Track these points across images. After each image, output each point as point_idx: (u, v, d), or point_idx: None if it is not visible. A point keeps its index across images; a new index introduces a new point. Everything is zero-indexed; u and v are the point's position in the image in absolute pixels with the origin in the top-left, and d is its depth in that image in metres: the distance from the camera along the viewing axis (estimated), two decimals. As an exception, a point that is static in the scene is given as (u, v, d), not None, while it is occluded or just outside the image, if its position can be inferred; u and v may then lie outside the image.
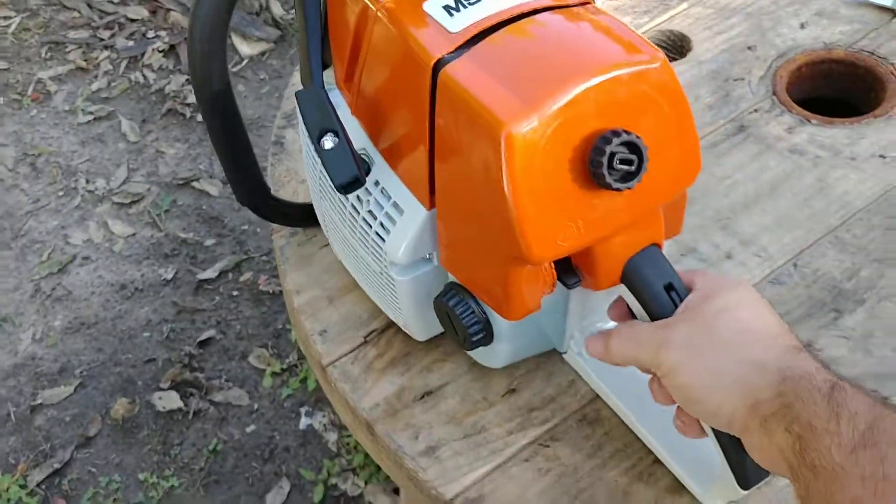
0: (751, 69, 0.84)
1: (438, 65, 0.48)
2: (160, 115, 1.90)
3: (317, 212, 0.68)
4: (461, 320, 0.55)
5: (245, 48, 2.01)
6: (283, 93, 1.97)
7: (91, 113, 1.90)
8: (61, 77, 1.98)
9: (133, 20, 2.07)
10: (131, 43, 2.03)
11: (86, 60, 2.00)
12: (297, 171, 0.79)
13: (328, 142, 0.52)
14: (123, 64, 2.00)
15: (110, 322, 1.57)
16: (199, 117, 1.88)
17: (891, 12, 0.87)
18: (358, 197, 0.58)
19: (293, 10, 2.00)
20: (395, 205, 0.55)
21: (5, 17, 2.10)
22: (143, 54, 2.00)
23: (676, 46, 0.88)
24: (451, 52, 0.48)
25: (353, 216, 0.59)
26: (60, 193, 1.77)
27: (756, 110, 0.80)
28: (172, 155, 1.84)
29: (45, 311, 1.58)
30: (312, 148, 0.54)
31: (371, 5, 0.53)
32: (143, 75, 1.97)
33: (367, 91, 0.56)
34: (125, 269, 1.64)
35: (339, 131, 0.52)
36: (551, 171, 0.46)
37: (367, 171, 0.56)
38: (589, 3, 0.51)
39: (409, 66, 0.50)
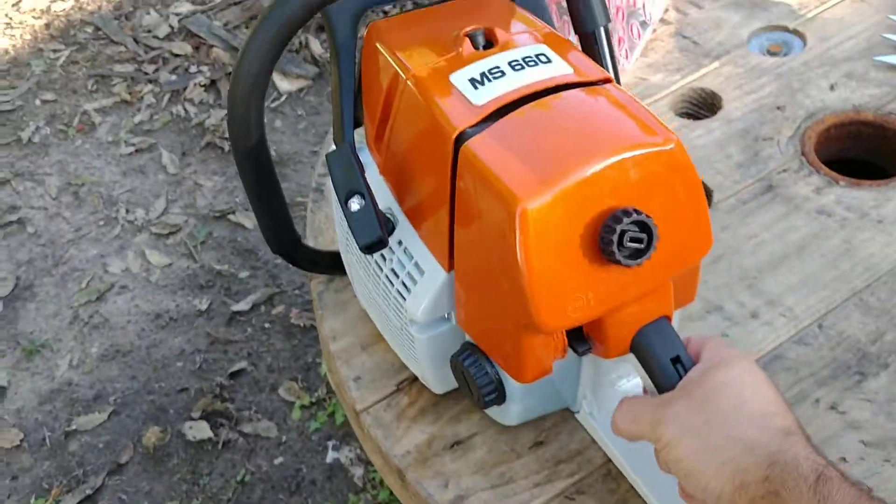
0: (780, 129, 0.85)
1: (461, 137, 0.51)
2: (199, 148, 1.95)
3: (344, 263, 0.71)
4: (475, 380, 0.57)
5: (284, 84, 2.06)
6: (319, 129, 2.01)
7: (133, 144, 1.96)
8: (106, 109, 2.04)
9: (177, 55, 2.14)
10: (174, 77, 2.09)
11: (130, 93, 2.06)
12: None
13: (355, 203, 0.55)
14: (166, 97, 2.05)
15: (145, 350, 1.60)
16: (237, 151, 1.93)
17: (920, 75, 0.89)
18: (382, 255, 0.60)
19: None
20: (417, 265, 0.57)
21: (55, 51, 2.17)
22: (185, 88, 2.06)
23: (707, 104, 0.90)
24: (474, 126, 0.51)
25: (376, 273, 0.61)
26: (101, 223, 1.82)
27: (785, 170, 0.82)
28: (210, 187, 1.88)
29: (83, 337, 1.62)
30: (340, 207, 0.57)
31: (401, 73, 0.55)
32: (185, 109, 2.03)
33: (395, 153, 0.59)
34: (161, 299, 1.68)
35: (366, 194, 0.55)
36: (564, 246, 0.48)
37: (392, 231, 0.59)
38: (610, 80, 0.54)
39: (433, 134, 0.53)
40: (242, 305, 1.66)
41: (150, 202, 1.85)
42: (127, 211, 1.83)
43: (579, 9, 0.61)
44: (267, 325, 1.63)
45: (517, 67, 0.53)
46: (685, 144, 0.84)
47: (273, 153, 1.91)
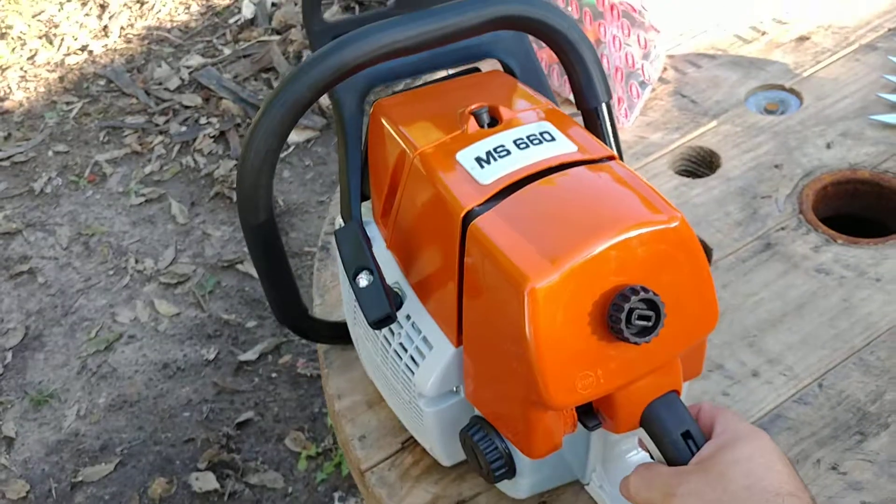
0: (778, 187, 0.87)
1: (468, 216, 0.52)
2: (208, 199, 1.98)
3: (351, 334, 0.72)
4: (485, 455, 0.57)
5: (292, 135, 2.09)
6: (326, 179, 2.04)
7: (143, 195, 1.99)
8: (117, 160, 2.07)
9: (187, 107, 2.18)
10: (184, 128, 2.12)
11: (141, 144, 2.10)
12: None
13: (363, 280, 0.56)
14: (176, 148, 2.09)
15: (152, 400, 1.61)
16: (246, 201, 1.95)
17: (915, 133, 0.91)
18: (390, 329, 0.61)
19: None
20: (425, 339, 0.58)
21: (68, 103, 2.22)
22: (194, 139, 2.09)
23: (706, 162, 0.92)
24: (481, 205, 0.52)
25: (384, 347, 0.62)
26: (110, 272, 1.84)
27: (783, 228, 0.83)
28: (218, 237, 1.90)
29: (91, 388, 1.63)
30: (348, 282, 0.58)
31: (408, 150, 0.57)
32: (194, 160, 2.06)
33: (402, 228, 0.60)
34: (169, 349, 1.69)
35: (374, 269, 0.56)
36: (572, 324, 0.49)
37: (400, 305, 0.60)
38: (614, 157, 0.55)
39: (441, 212, 0.54)
40: (250, 355, 1.66)
41: (160, 252, 1.88)
42: (136, 261, 1.85)
43: (581, 85, 0.62)
44: (274, 375, 1.64)
45: (522, 146, 0.55)
46: (685, 203, 0.86)
47: (281, 203, 1.95)
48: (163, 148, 2.10)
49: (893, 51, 1.01)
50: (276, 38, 2.26)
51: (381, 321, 0.56)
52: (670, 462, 0.52)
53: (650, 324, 0.48)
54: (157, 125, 2.14)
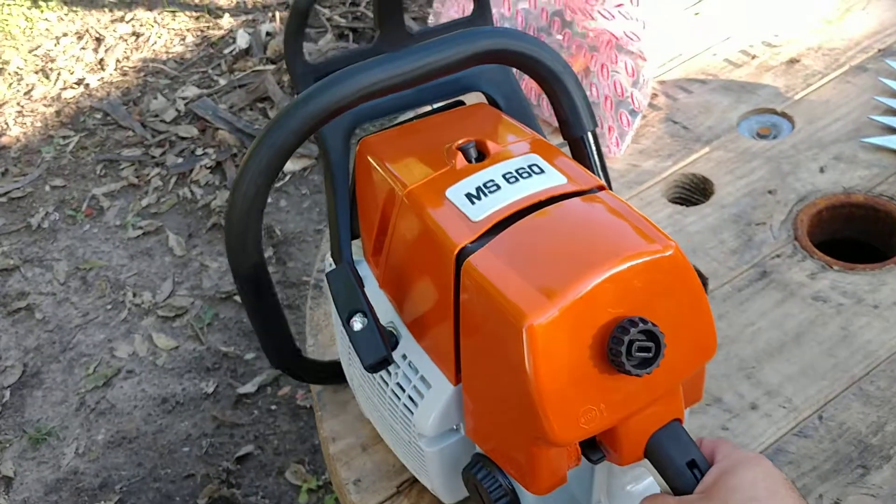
0: (772, 213, 0.86)
1: (462, 254, 0.51)
2: (205, 230, 1.97)
3: (346, 374, 0.71)
4: (489, 493, 0.56)
5: (288, 164, 2.09)
6: (323, 208, 2.04)
7: (140, 228, 1.98)
8: (114, 193, 2.07)
9: (183, 138, 2.18)
10: (180, 160, 2.12)
11: (137, 177, 2.10)
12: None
13: (357, 323, 0.56)
14: (173, 180, 2.09)
15: (151, 436, 1.60)
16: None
17: (909, 155, 0.90)
18: (387, 369, 0.60)
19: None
20: (423, 379, 0.58)
21: (65, 137, 2.22)
22: (191, 171, 2.09)
23: (700, 189, 0.91)
24: (474, 241, 0.52)
25: (381, 387, 0.62)
26: (108, 307, 1.83)
27: (778, 255, 0.83)
28: (216, 269, 1.90)
29: (89, 424, 1.62)
30: (341, 325, 0.57)
31: (396, 188, 0.57)
32: (191, 191, 2.06)
33: (395, 267, 0.59)
34: (167, 383, 1.68)
35: (367, 312, 0.56)
36: (572, 358, 0.48)
37: (395, 345, 0.59)
38: (603, 187, 0.55)
39: (433, 250, 0.53)
40: (249, 387, 1.65)
41: (157, 285, 1.87)
42: (134, 294, 1.85)
43: (567, 115, 0.61)
44: (273, 407, 1.63)
45: (511, 180, 0.54)
46: (679, 231, 0.86)
47: (278, 232, 1.94)
48: (159, 180, 2.09)
49: (883, 72, 1.01)
50: (270, 67, 2.26)
51: (378, 365, 0.56)
52: (676, 491, 0.52)
53: (650, 355, 0.48)
54: (153, 157, 2.15)
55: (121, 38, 2.49)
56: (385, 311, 0.61)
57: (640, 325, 0.47)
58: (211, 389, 1.66)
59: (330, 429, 0.73)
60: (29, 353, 1.75)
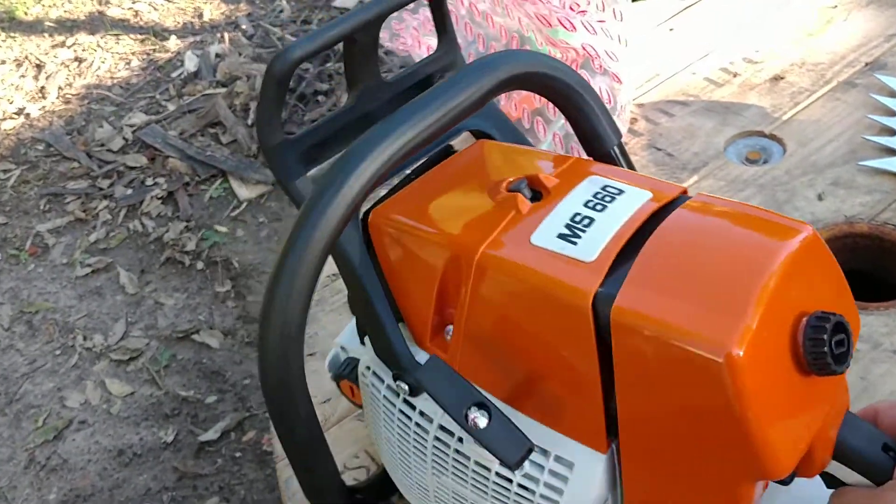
0: (771, 249, 0.80)
1: (599, 300, 0.44)
2: (159, 265, 1.88)
3: (403, 486, 0.61)
4: None
5: (243, 191, 2.00)
6: (283, 236, 1.95)
7: (89, 265, 1.88)
8: (59, 229, 1.96)
9: (132, 168, 2.08)
10: (130, 191, 2.02)
11: (84, 211, 1.99)
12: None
13: (480, 419, 0.47)
14: (122, 213, 1.98)
15: (107, 493, 1.49)
16: (199, 266, 1.86)
17: (909, 178, 0.85)
18: (497, 469, 0.51)
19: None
20: (559, 459, 0.49)
21: (5, 171, 2.10)
22: (141, 202, 1.99)
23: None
24: (604, 284, 0.44)
25: (497, 492, 0.52)
26: (57, 352, 1.72)
27: (781, 294, 0.77)
28: (171, 306, 1.80)
29: (40, 483, 1.51)
30: (458, 428, 0.48)
31: (461, 253, 0.48)
32: (142, 224, 1.96)
33: (480, 343, 0.51)
34: (123, 433, 1.58)
35: (486, 402, 0.47)
36: (773, 376, 0.42)
37: None
38: (685, 190, 0.49)
39: (552, 308, 0.46)
40: (211, 434, 1.56)
41: (109, 326, 1.77)
42: (84, 338, 1.74)
43: (594, 130, 0.55)
44: (238, 455, 1.54)
45: (598, 207, 0.48)
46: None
47: (235, 264, 1.85)
48: (108, 213, 1.99)
49: (874, 87, 0.95)
50: (221, 90, 2.17)
51: (524, 458, 0.47)
52: (876, 480, 0.47)
53: (845, 348, 0.43)
54: (101, 189, 2.04)
55: (62, 63, 2.37)
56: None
57: (832, 318, 0.42)
58: (170, 438, 1.56)
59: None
60: (-29, 407, 1.63)
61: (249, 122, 2.09)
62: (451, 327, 0.52)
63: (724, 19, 1.07)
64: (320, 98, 2.13)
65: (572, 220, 0.47)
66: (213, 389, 1.64)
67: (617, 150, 0.56)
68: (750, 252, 0.44)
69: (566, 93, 0.53)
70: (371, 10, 0.51)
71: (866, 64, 0.99)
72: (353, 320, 0.62)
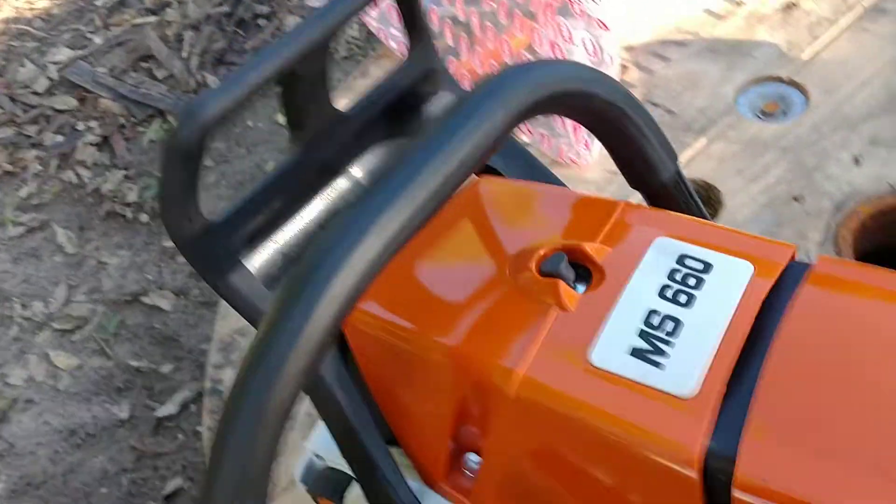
0: (805, 231, 0.68)
1: (710, 460, 0.31)
2: (99, 220, 1.73)
3: None
4: None
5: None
6: (230, 182, 1.79)
7: (22, 224, 1.73)
8: (-15, 185, 1.79)
9: (60, 111, 1.89)
10: (60, 138, 1.85)
11: (12, 163, 1.82)
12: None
13: None
14: (54, 163, 1.81)
15: (61, 478, 1.40)
16: (143, 218, 1.71)
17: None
18: None
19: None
20: None
21: (-83, 121, 1.91)
22: (74, 150, 1.82)
23: (703, 200, 0.72)
24: (713, 434, 0.31)
25: None
26: (-7, 325, 1.59)
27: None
28: (116, 265, 1.66)
29: (-14, 472, 1.40)
30: None
31: (495, 379, 0.34)
32: (77, 174, 1.79)
33: (510, 491, 0.38)
34: (73, 411, 1.47)
35: None
36: None
37: None
38: (793, 248, 0.38)
39: (638, 466, 0.32)
40: (169, 408, 1.45)
41: (49, 292, 1.63)
42: (23, 306, 1.61)
43: (645, 158, 0.44)
44: (200, 429, 1.43)
45: (682, 299, 0.34)
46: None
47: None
48: (39, 164, 1.82)
49: (906, 15, 0.82)
50: (151, 19, 1.97)
51: None
52: None
53: None
54: (28, 137, 1.86)
55: (-27, -7, 2.14)
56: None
57: None
58: (125, 414, 1.45)
59: None
60: None
61: (184, 54, 1.90)
62: (471, 455, 0.38)
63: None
64: (261, 22, 1.94)
65: (648, 323, 0.33)
66: (168, 357, 1.53)
67: (676, 178, 0.45)
68: None
69: (608, 115, 0.40)
70: (313, 29, 0.35)
71: (894, -14, 0.85)
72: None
